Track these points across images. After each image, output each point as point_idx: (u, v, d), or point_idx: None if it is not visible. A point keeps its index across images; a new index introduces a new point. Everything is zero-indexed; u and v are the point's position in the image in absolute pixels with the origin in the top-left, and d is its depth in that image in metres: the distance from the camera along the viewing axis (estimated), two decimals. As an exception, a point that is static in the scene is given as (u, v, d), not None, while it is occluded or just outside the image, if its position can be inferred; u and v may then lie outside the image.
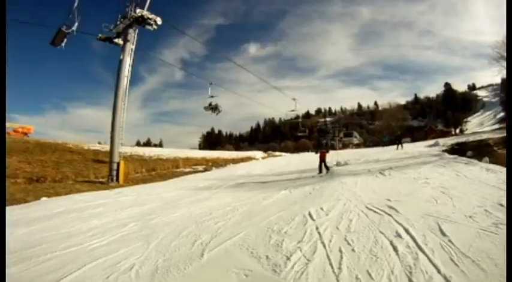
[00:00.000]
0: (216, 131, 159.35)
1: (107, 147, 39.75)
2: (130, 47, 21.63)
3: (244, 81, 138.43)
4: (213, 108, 28.14)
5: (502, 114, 78.97)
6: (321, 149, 18.95)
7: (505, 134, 30.87)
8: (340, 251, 4.75)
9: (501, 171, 11.28)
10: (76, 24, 18.25)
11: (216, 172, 24.58)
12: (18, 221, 8.96)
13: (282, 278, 4.05)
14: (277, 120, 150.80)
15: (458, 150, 23.40)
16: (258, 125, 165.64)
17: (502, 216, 5.82)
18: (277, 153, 58.83)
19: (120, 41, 21.93)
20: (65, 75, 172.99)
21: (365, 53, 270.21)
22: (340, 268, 4.17)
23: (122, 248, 5.92)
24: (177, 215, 8.74)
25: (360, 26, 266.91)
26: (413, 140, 66.93)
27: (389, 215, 6.42)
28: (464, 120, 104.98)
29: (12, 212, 10.15)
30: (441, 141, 36.74)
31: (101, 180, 21.40)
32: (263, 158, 43.37)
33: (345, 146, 77.00)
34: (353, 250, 4.74)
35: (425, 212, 6.43)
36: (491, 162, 14.49)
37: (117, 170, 20.52)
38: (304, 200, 9.18)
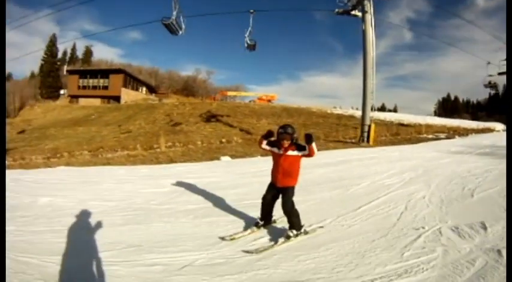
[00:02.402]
0: (452, 97, 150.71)
1: (350, 112, 43.10)
2: (369, 17, 23.09)
3: (479, 39, 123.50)
4: (492, 86, 28.61)
5: None
6: (278, 144, 5.48)
7: None
8: None
9: None
10: (174, 13, 19.54)
11: (460, 140, 24.80)
12: (305, 165, 12.16)
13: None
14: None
15: None
16: (497, 91, 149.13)
17: None
18: (518, 125, 54.79)
19: (357, 13, 23.43)
20: (298, 48, 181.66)
21: None
22: None
23: (410, 185, 8.71)
24: (441, 170, 10.88)
25: None
26: None
27: None
28: None
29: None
30: None
31: (349, 140, 23.86)
32: (504, 130, 41.16)
33: None
34: None
35: None
36: None
37: (368, 132, 22.42)
38: None
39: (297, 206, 5.28)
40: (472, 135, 30.43)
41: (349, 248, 4.82)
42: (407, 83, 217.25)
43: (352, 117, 38.80)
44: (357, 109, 45.19)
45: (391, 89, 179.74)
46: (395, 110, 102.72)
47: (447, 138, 27.60)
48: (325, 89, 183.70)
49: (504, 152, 16.24)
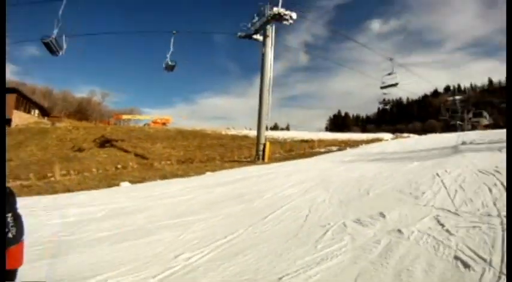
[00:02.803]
0: (343, 113, 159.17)
1: (244, 132, 44.14)
2: (270, 41, 24.47)
3: (370, 60, 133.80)
4: (386, 103, 30.80)
5: None
6: None
7: None
8: (455, 190, 7.82)
9: None
10: (55, 31, 19.89)
11: (352, 151, 26.38)
12: (206, 185, 12.48)
13: (420, 201, 7.26)
14: (404, 99, 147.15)
15: None
16: (379, 103, 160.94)
17: None
18: (405, 134, 59.42)
19: (259, 37, 24.99)
20: (193, 69, 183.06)
21: (493, 19, 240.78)
22: (454, 197, 7.23)
23: (310, 193, 9.31)
24: (337, 177, 11.75)
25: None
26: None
27: (493, 175, 9.04)
28: None
29: (191, 183, 13.42)
30: None
31: (245, 160, 24.35)
32: (392, 139, 44.03)
33: (473, 127, 74.79)
34: (463, 190, 7.80)
35: (523, 173, 9.04)
36: None
37: (263, 150, 23.18)
38: (433, 168, 11.78)
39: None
40: (362, 145, 32.32)
41: (266, 250, 5.11)
42: (300, 102, 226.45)
43: (246, 137, 39.80)
44: (250, 129, 46.39)
45: (284, 108, 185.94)
46: (287, 129, 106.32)
47: (339, 150, 29.15)
48: (219, 111, 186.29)
49: (393, 156, 17.81)
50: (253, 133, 31.68)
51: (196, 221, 7.19)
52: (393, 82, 30.49)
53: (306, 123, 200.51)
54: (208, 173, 16.97)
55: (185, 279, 4.40)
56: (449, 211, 6.29)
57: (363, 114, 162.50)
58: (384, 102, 30.60)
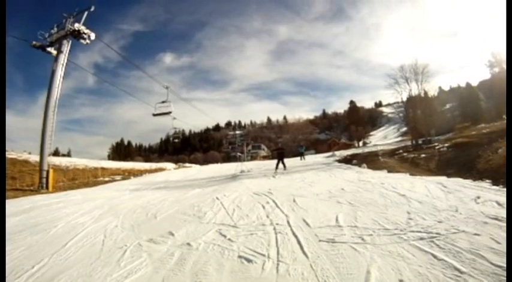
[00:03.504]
0: (126, 142, 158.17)
1: (24, 156, 40.76)
2: (63, 57, 23.45)
3: (157, 91, 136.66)
4: (176, 137, 30.85)
5: (404, 128, 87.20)
6: None
7: (394, 147, 36.91)
8: (233, 209, 9.15)
9: (367, 173, 16.12)
10: None
11: (136, 180, 27.27)
12: None
13: (203, 220, 8.26)
14: (187, 131, 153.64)
15: (348, 159, 27.96)
16: (168, 136, 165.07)
17: (338, 193, 10.38)
18: (187, 164, 62.08)
19: (53, 51, 23.66)
20: None
21: (279, 69, 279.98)
22: (233, 214, 8.49)
23: (102, 220, 9.54)
24: (125, 204, 12.21)
25: (276, 43, 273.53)
26: (318, 152, 75.58)
27: (266, 195, 10.97)
28: (368, 134, 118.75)
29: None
30: (338, 152, 43.19)
31: (27, 188, 22.64)
32: (175, 168, 45.92)
33: (253, 158, 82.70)
34: (240, 208, 9.19)
35: (289, 193, 11.03)
36: (371, 167, 18.63)
37: (47, 178, 21.99)
38: (213, 192, 13.26)
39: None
40: (147, 175, 33.31)
41: (76, 273, 5.35)
42: (83, 127, 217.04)
43: (26, 162, 36.59)
44: (30, 153, 43.06)
45: (66, 132, 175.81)
46: (69, 155, 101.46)
47: (123, 179, 29.58)
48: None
49: (176, 184, 18.98)
50: (34, 158, 29.52)
51: (-1, 254, 7.02)
52: (166, 111, 30.68)
53: (89, 150, 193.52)
54: (-7, 204, 15.60)
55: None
56: (229, 225, 7.48)
57: (145, 143, 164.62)
58: (175, 135, 31.57)
